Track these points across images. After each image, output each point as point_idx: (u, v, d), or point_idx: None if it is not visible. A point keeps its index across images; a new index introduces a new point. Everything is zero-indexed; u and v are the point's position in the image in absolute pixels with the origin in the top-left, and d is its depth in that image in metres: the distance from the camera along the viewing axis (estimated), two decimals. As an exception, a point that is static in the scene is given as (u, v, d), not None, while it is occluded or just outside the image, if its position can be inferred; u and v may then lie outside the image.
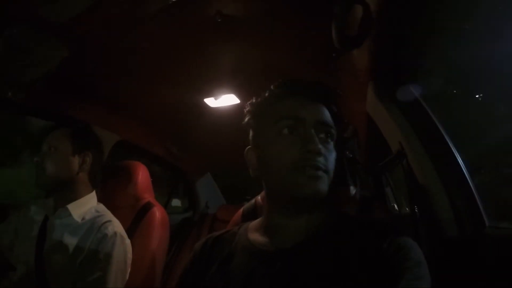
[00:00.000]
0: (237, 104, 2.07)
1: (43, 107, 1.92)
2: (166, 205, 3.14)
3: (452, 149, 1.14)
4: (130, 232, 1.72)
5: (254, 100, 0.97)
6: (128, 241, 1.54)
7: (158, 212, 1.87)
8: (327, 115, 0.89)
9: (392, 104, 1.28)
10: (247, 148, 0.98)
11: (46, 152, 1.52)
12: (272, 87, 0.94)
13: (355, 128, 1.78)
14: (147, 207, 1.88)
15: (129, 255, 1.53)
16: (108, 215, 1.57)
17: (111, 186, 1.93)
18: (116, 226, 1.51)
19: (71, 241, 1.43)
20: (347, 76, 1.54)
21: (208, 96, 2.02)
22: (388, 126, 1.32)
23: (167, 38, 1.48)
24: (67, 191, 1.54)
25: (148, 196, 2.00)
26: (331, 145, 0.87)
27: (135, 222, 1.82)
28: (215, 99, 2.03)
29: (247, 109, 0.98)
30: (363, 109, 1.50)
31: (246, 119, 0.98)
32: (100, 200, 1.66)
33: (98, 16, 1.32)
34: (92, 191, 1.62)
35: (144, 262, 1.68)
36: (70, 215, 1.49)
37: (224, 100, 2.05)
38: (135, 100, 2.09)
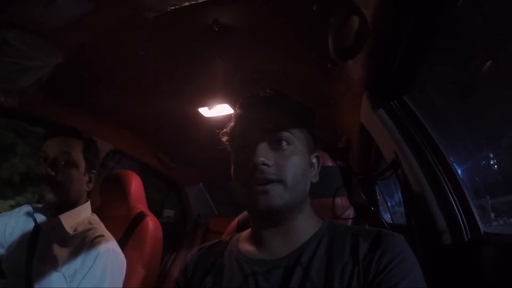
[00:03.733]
0: (231, 114, 2.05)
1: (36, 114, 1.90)
2: (158, 215, 3.11)
3: (447, 158, 1.16)
4: (123, 242, 1.70)
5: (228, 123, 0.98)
6: (122, 256, 1.49)
7: (151, 222, 1.85)
8: (278, 121, 0.86)
9: (386, 114, 1.29)
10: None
11: (60, 165, 1.43)
12: (236, 107, 0.95)
13: (348, 138, 1.79)
14: (140, 217, 1.86)
15: (124, 269, 1.49)
16: (101, 228, 1.51)
17: (104, 196, 1.91)
18: (108, 241, 1.45)
19: (61, 252, 1.38)
20: (342, 86, 1.55)
21: (202, 105, 2.02)
22: (383, 136, 1.33)
23: (163, 46, 1.49)
24: (69, 203, 1.48)
25: (141, 206, 1.98)
26: (289, 149, 0.83)
27: (128, 232, 1.80)
28: (209, 108, 2.03)
29: (223, 131, 0.98)
30: (357, 119, 1.51)
31: (224, 140, 0.98)
32: (92, 209, 1.62)
33: (94, 23, 1.32)
34: (86, 201, 1.57)
35: (137, 273, 1.66)
36: (62, 226, 1.43)
37: (218, 110, 2.05)
38: (128, 109, 2.08)
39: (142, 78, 1.76)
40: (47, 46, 1.41)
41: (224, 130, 0.95)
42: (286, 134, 0.84)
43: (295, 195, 0.82)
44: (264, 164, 0.79)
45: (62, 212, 1.45)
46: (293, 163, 0.82)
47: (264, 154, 0.80)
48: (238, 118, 0.92)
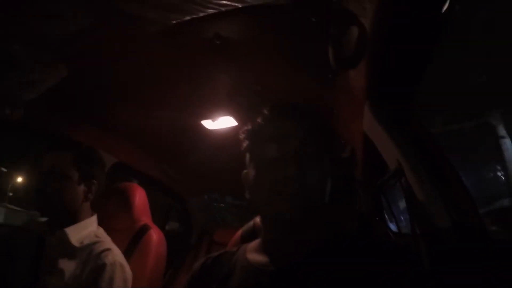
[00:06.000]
0: (235, 127, 2.07)
1: (40, 126, 1.91)
2: (163, 228, 3.11)
3: (452, 165, 1.15)
4: (127, 255, 1.70)
5: (249, 125, 0.98)
6: (128, 269, 1.50)
7: (155, 235, 1.85)
8: (311, 132, 0.88)
9: (388, 123, 1.29)
10: (244, 171, 0.99)
11: (50, 179, 1.47)
12: (264, 110, 0.95)
13: (353, 147, 1.78)
14: (144, 229, 1.86)
15: (130, 283, 1.49)
16: (108, 241, 1.53)
17: (108, 208, 1.91)
18: (115, 254, 1.46)
19: (67, 266, 1.39)
20: (344, 95, 1.55)
21: (205, 118, 2.02)
22: (385, 144, 1.33)
23: (165, 59, 1.50)
24: (66, 215, 1.49)
25: (145, 218, 1.98)
26: (313, 161, 0.85)
27: (132, 245, 1.80)
28: (213, 121, 2.03)
29: (243, 133, 0.98)
30: (360, 128, 1.51)
31: (243, 143, 0.98)
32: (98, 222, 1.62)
33: (96, 35, 1.33)
34: (93, 215, 1.58)
35: (141, 285, 1.65)
36: (68, 239, 1.44)
37: (221, 122, 2.05)
38: (131, 121, 2.09)
39: (145, 91, 1.77)
40: (51, 59, 1.43)
41: (245, 128, 0.96)
42: (317, 145, 0.86)
43: (318, 205, 0.84)
44: (299, 174, 0.80)
45: (63, 224, 1.46)
46: (321, 174, 0.85)
47: (299, 163, 0.81)
48: (268, 121, 0.92)
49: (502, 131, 8.13)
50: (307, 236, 0.85)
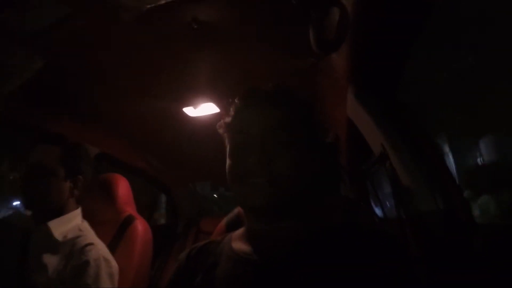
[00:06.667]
0: (217, 113, 2.04)
1: (19, 120, 1.86)
2: (148, 218, 3.09)
3: (437, 148, 1.14)
4: (112, 247, 1.68)
5: (225, 117, 0.96)
6: (113, 263, 1.46)
7: (140, 225, 1.83)
8: (279, 117, 0.85)
9: (372, 107, 1.28)
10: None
11: (35, 174, 1.43)
12: (236, 99, 0.93)
13: (336, 132, 1.78)
14: (129, 220, 1.84)
15: (116, 276, 1.45)
16: (91, 235, 1.48)
17: (91, 200, 1.87)
18: (99, 248, 1.43)
19: (50, 261, 1.36)
20: (327, 80, 1.54)
21: (187, 105, 2.00)
22: (369, 128, 1.32)
23: (143, 46, 1.46)
24: (51, 210, 1.46)
25: (130, 209, 1.96)
26: (289, 146, 0.82)
27: (117, 236, 1.78)
28: (194, 108, 2.01)
29: (220, 127, 0.97)
30: (343, 113, 1.50)
31: (222, 136, 0.97)
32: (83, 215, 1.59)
33: (71, 26, 1.29)
34: (77, 208, 1.54)
35: (128, 277, 1.64)
36: (51, 233, 1.40)
37: (203, 109, 2.03)
38: (112, 111, 2.06)
39: (126, 80, 1.73)
40: (24, 52, 1.38)
41: (221, 121, 0.94)
42: (287, 131, 0.83)
43: (293, 193, 0.82)
44: (263, 162, 0.79)
45: (47, 219, 1.42)
46: (292, 161, 0.81)
47: (263, 151, 0.80)
48: (237, 112, 0.90)
49: (446, 148, 8.75)
50: (287, 225, 0.84)
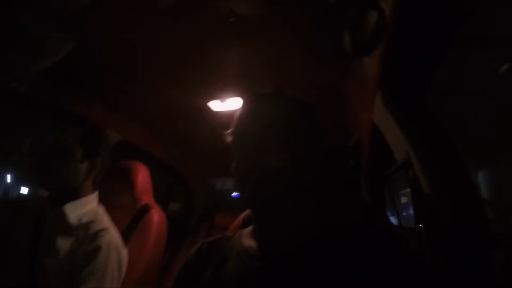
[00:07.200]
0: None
1: (45, 100, 1.88)
2: (164, 208, 3.11)
3: (461, 160, 1.13)
4: (127, 233, 1.70)
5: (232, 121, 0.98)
6: (124, 251, 1.48)
7: (156, 215, 1.85)
8: (276, 118, 0.87)
9: (400, 113, 1.27)
10: None
11: (54, 154, 1.45)
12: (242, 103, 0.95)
13: (359, 136, 1.76)
14: (145, 209, 1.86)
15: (124, 266, 1.47)
16: (105, 221, 1.49)
17: (110, 185, 1.89)
18: (112, 235, 1.43)
19: (63, 244, 1.37)
20: (356, 83, 1.53)
21: (213, 98, 2.01)
22: (395, 135, 1.31)
23: (176, 35, 1.47)
24: (67, 191, 1.47)
25: (147, 197, 1.98)
26: (287, 145, 0.83)
27: (132, 224, 1.80)
28: (221, 101, 2.01)
29: (226, 133, 0.98)
30: (369, 117, 1.49)
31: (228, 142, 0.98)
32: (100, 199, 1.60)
33: (107, 9, 1.31)
34: (94, 192, 1.55)
35: (139, 266, 1.66)
36: (65, 216, 1.42)
37: (230, 103, 2.03)
38: (137, 99, 2.07)
39: (153, 69, 1.74)
40: (60, 31, 1.40)
41: (229, 131, 0.96)
42: (284, 128, 0.85)
43: (293, 188, 0.82)
44: (260, 157, 0.80)
45: (64, 200, 1.44)
46: (289, 156, 0.82)
47: (260, 147, 0.81)
48: (239, 117, 0.92)
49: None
50: (293, 224, 0.85)
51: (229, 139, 0.94)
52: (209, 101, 2.02)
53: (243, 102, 0.94)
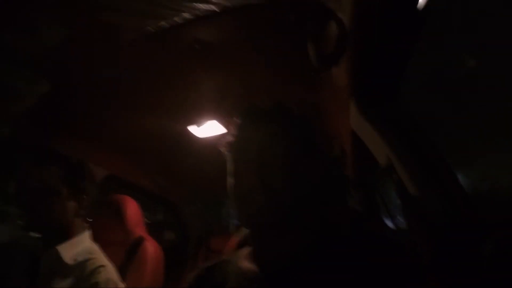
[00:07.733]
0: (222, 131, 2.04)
1: (27, 142, 1.87)
2: (160, 238, 3.08)
3: (443, 158, 1.13)
4: (123, 269, 1.68)
5: (227, 136, 0.98)
6: (122, 286, 1.46)
7: (150, 246, 1.83)
8: (276, 135, 0.88)
9: (375, 118, 1.28)
10: None
11: (39, 195, 1.42)
12: (236, 119, 0.95)
13: (341, 145, 1.77)
14: (139, 242, 1.84)
15: None
16: (101, 258, 1.47)
17: (101, 222, 1.87)
18: (109, 271, 1.42)
19: (61, 284, 1.35)
20: (329, 94, 1.54)
21: (191, 124, 2.01)
22: (374, 140, 1.31)
23: (147, 67, 1.48)
24: (58, 231, 1.45)
25: (139, 230, 1.96)
26: (286, 163, 0.85)
27: (127, 258, 1.78)
28: (198, 126, 2.02)
29: (222, 141, 0.98)
30: (347, 125, 1.49)
31: (223, 151, 0.98)
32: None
33: (75, 48, 1.31)
34: (85, 229, 1.54)
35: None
36: (60, 257, 1.40)
37: (208, 128, 2.03)
38: (118, 132, 2.06)
39: (131, 100, 1.74)
40: (31, 74, 1.40)
41: (223, 139, 0.96)
42: (283, 146, 0.85)
43: (291, 207, 0.82)
44: (260, 179, 0.80)
45: (56, 241, 1.42)
46: (289, 176, 0.82)
47: (260, 169, 0.81)
48: (237, 131, 0.92)
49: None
50: (289, 240, 0.84)
51: (225, 152, 0.94)
52: (187, 126, 2.03)
53: (240, 116, 0.94)
